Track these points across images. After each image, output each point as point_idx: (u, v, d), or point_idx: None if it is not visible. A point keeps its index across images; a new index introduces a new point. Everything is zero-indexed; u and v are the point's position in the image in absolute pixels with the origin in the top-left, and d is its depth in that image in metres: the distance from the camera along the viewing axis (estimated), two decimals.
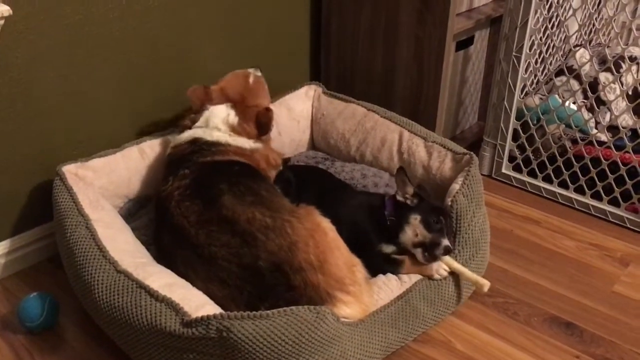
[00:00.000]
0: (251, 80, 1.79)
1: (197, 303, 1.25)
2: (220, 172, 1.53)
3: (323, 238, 1.38)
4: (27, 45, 1.58)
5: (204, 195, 1.46)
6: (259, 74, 1.84)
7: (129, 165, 1.76)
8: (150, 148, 1.81)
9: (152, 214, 1.71)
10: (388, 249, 1.54)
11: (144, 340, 1.26)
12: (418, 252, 1.50)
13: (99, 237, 1.43)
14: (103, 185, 1.69)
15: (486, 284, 1.51)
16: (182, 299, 1.24)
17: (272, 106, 1.80)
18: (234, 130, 1.68)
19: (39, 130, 1.68)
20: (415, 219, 1.51)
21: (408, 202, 1.55)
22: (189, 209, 1.45)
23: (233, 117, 1.69)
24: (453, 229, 1.57)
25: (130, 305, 1.27)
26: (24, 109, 1.63)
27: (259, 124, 1.70)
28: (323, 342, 1.21)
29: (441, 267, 1.51)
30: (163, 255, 1.50)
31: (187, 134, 1.68)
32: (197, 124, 1.70)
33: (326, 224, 1.43)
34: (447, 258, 1.52)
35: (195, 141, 1.65)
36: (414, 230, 1.51)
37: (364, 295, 1.39)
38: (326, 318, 1.20)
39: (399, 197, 1.56)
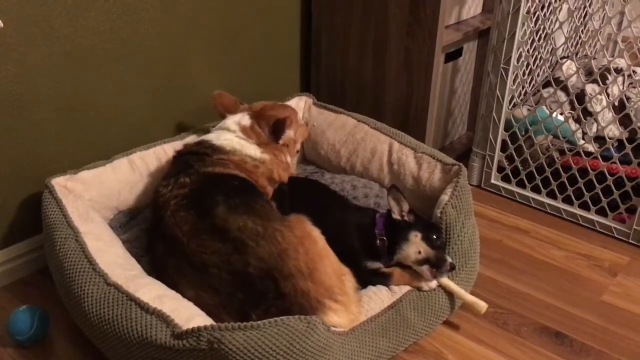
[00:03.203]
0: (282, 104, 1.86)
1: (187, 315, 1.25)
2: (219, 186, 1.54)
3: (313, 246, 1.39)
4: (18, 58, 1.58)
5: (199, 207, 1.47)
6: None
7: (119, 177, 1.76)
8: (141, 159, 1.81)
9: (143, 226, 1.71)
10: (374, 265, 1.54)
11: (134, 353, 1.26)
12: (424, 269, 1.50)
13: (88, 249, 1.42)
14: (93, 197, 1.69)
15: (483, 307, 1.52)
16: (172, 310, 1.24)
17: None
18: (244, 131, 1.71)
19: (28, 142, 1.68)
20: (415, 236, 1.51)
21: (406, 219, 1.54)
22: (184, 219, 1.45)
23: (246, 120, 1.74)
24: (443, 240, 1.58)
25: (121, 318, 1.26)
26: (14, 120, 1.63)
27: (273, 127, 1.73)
28: (314, 352, 1.21)
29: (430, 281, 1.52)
30: (155, 264, 1.50)
31: (202, 136, 1.75)
32: (217, 127, 1.77)
33: (316, 233, 1.43)
34: (445, 279, 1.53)
35: (201, 142, 1.69)
36: (415, 247, 1.51)
37: (352, 304, 1.40)
38: (317, 328, 1.20)
39: (396, 216, 1.54)
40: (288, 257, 1.35)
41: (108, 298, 1.30)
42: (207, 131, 1.78)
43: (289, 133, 1.76)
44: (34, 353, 1.50)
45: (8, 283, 1.74)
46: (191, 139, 1.87)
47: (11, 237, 1.73)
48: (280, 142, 1.73)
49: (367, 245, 1.55)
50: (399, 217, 1.54)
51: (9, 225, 1.72)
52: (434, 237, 1.51)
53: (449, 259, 1.51)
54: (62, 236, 1.47)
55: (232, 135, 1.70)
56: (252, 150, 1.68)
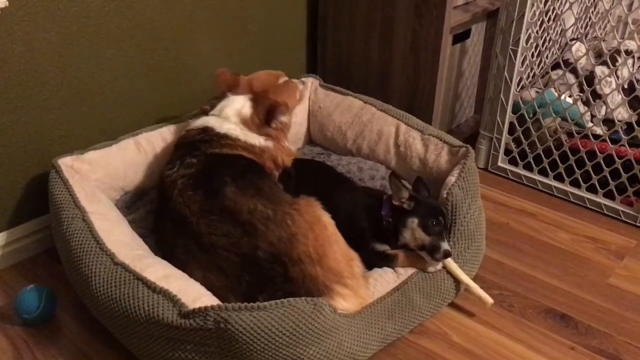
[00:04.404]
0: (281, 80, 1.80)
1: (194, 294, 1.25)
2: (226, 165, 1.53)
3: (323, 232, 1.39)
4: (23, 37, 1.57)
5: (207, 186, 1.46)
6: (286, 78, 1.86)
7: (125, 158, 1.76)
8: (146, 140, 1.81)
9: (149, 206, 1.71)
10: (381, 247, 1.54)
11: (141, 332, 1.27)
12: (424, 254, 1.51)
13: (95, 229, 1.43)
14: (99, 177, 1.69)
15: (489, 302, 1.52)
16: (179, 290, 1.24)
17: None
18: (245, 123, 1.67)
19: (35, 122, 1.67)
20: (412, 222, 1.51)
21: (405, 206, 1.54)
22: (191, 198, 1.45)
23: (247, 109, 1.69)
24: (448, 222, 1.58)
25: (128, 297, 1.27)
26: (20, 100, 1.62)
27: (266, 112, 1.68)
28: (320, 334, 1.21)
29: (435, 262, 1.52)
30: (163, 244, 1.51)
31: (201, 121, 1.68)
32: (212, 112, 1.71)
33: (326, 217, 1.43)
34: (456, 268, 1.53)
35: (206, 130, 1.64)
36: (412, 233, 1.51)
37: (361, 288, 1.40)
38: (323, 310, 1.21)
39: (395, 202, 1.55)
40: (297, 242, 1.35)
41: (115, 277, 1.31)
42: (206, 112, 1.74)
43: (283, 119, 1.72)
44: (41, 331, 1.51)
45: (16, 262, 1.75)
46: (185, 124, 1.81)
47: (18, 217, 1.74)
48: (273, 126, 1.70)
49: (375, 227, 1.55)
50: (397, 203, 1.55)
51: (17, 205, 1.72)
52: (432, 223, 1.51)
53: (445, 246, 1.49)
54: (69, 216, 1.47)
55: (233, 125, 1.66)
56: (255, 139, 1.66)
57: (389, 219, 1.54)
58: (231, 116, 1.67)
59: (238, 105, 1.69)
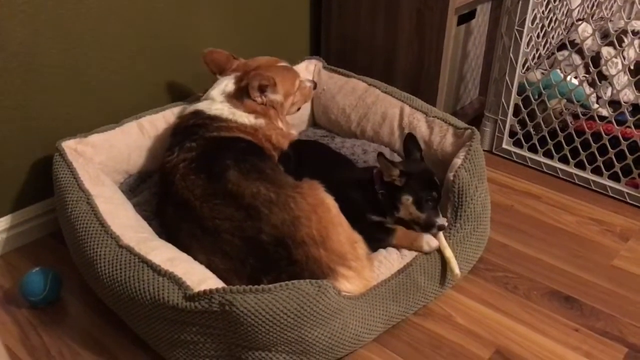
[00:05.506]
0: (280, 64, 1.79)
1: (199, 277, 1.26)
2: (226, 148, 1.53)
3: (326, 214, 1.39)
4: (26, 19, 1.56)
5: (209, 170, 1.46)
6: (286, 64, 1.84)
7: (129, 141, 1.76)
8: (150, 123, 1.81)
9: (153, 189, 1.71)
10: (377, 218, 1.55)
11: (147, 314, 1.27)
12: (417, 228, 1.54)
13: (100, 212, 1.43)
14: (103, 160, 1.69)
15: (457, 275, 1.50)
16: (184, 273, 1.25)
17: None
18: (230, 99, 1.67)
19: (38, 105, 1.67)
20: (407, 200, 1.52)
21: (396, 182, 1.54)
22: (194, 182, 1.45)
23: (231, 85, 1.69)
24: (455, 203, 1.57)
25: (133, 280, 1.27)
26: (23, 84, 1.62)
27: (246, 83, 1.66)
28: (325, 315, 1.22)
29: (432, 240, 1.51)
30: (166, 228, 1.51)
31: (192, 106, 1.70)
32: (203, 97, 1.73)
33: (329, 200, 1.43)
34: (440, 236, 1.52)
35: (196, 113, 1.66)
36: (407, 210, 1.53)
37: (365, 270, 1.40)
38: (327, 291, 1.21)
39: (387, 179, 1.54)
40: (301, 224, 1.35)
41: (120, 260, 1.31)
42: (198, 99, 1.75)
43: (273, 96, 1.70)
44: (47, 314, 1.52)
45: (21, 245, 1.75)
46: (181, 109, 1.82)
47: (23, 200, 1.74)
48: (258, 100, 1.68)
49: (370, 201, 1.56)
50: (389, 179, 1.54)
51: (21, 188, 1.72)
52: (426, 200, 1.51)
53: (439, 221, 1.50)
54: (73, 199, 1.47)
55: (220, 104, 1.67)
56: (244, 118, 1.65)
57: (382, 191, 1.55)
58: (216, 96, 1.69)
59: (222, 85, 1.71)
